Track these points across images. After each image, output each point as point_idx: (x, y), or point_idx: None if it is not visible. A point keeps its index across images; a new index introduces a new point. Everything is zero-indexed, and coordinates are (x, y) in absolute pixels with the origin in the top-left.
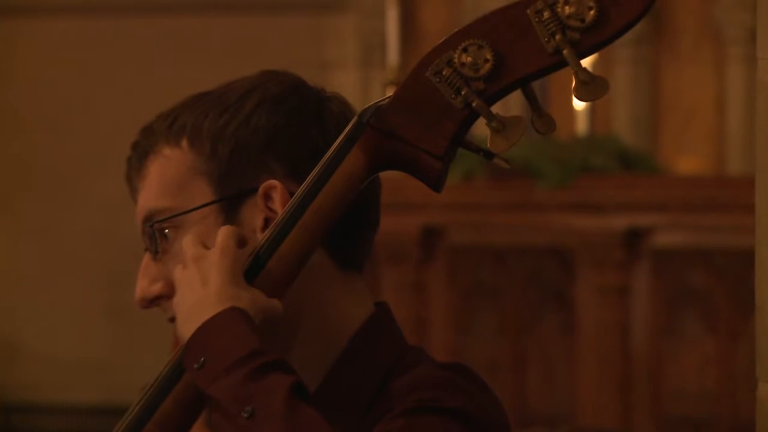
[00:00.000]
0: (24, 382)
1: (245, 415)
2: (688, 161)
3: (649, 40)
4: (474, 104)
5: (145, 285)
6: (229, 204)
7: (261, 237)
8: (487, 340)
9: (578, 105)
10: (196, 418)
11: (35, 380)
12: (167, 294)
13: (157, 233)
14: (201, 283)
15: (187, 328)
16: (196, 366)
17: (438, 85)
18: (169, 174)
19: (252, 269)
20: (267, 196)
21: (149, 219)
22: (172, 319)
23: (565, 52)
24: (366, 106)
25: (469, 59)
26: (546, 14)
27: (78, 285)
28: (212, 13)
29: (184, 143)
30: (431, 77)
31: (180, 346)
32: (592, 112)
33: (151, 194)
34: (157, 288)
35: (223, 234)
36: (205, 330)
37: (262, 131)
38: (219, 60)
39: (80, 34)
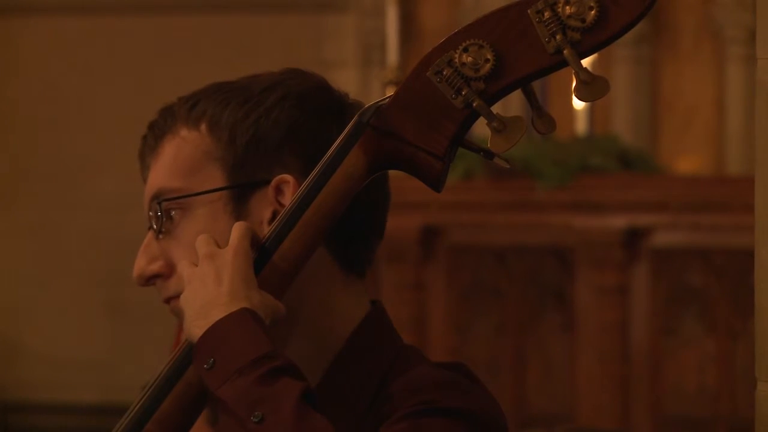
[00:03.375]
0: (23, 381)
1: (255, 420)
2: (687, 161)
3: (649, 40)
4: (474, 104)
5: (143, 263)
6: (240, 192)
7: (265, 232)
8: (487, 340)
9: (578, 105)
10: (196, 417)
11: (34, 379)
12: (165, 273)
13: (164, 212)
14: (214, 282)
15: (197, 326)
16: (206, 366)
17: (438, 85)
18: (183, 155)
19: (254, 267)
20: (278, 190)
21: (157, 197)
22: (167, 300)
23: (565, 52)
24: (366, 105)
25: (470, 59)
26: (547, 14)
27: (77, 284)
28: (212, 12)
29: (203, 127)
30: (432, 77)
31: (181, 345)
32: (591, 112)
33: (162, 173)
34: (155, 267)
35: (237, 232)
36: (216, 330)
37: (281, 125)
38: (219, 59)
39: (80, 33)
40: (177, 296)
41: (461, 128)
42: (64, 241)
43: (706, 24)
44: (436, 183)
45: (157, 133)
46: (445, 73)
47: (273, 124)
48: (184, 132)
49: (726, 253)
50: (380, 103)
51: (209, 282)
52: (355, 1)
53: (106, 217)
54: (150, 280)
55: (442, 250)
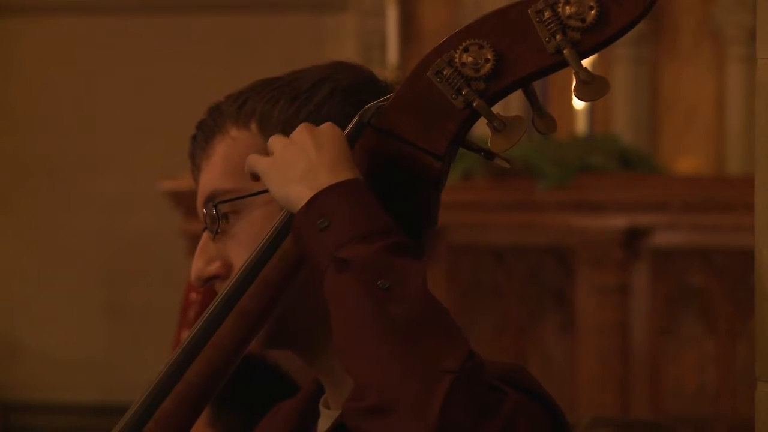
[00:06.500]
0: (23, 381)
1: (382, 286)
2: (687, 161)
3: (649, 40)
4: (475, 104)
5: (201, 264)
6: None
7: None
8: (487, 340)
9: (578, 105)
10: (197, 417)
11: (34, 379)
12: (223, 274)
13: (219, 214)
14: (315, 148)
15: (306, 186)
16: (319, 224)
17: (439, 85)
18: (235, 156)
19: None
20: None
21: (212, 198)
22: None
23: (565, 52)
24: (366, 105)
25: (470, 59)
26: (547, 14)
27: (76, 284)
28: (212, 12)
29: (253, 127)
30: (432, 77)
31: (201, 320)
32: (592, 112)
33: (215, 174)
34: (213, 268)
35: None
36: (331, 193)
37: (332, 120)
38: (219, 59)
39: (80, 33)
40: None
41: (462, 128)
42: (62, 241)
43: (706, 24)
44: (436, 183)
45: (206, 133)
46: (445, 73)
47: (323, 121)
48: (234, 132)
49: (726, 253)
50: (381, 103)
51: (309, 148)
52: (355, 1)
53: (106, 217)
54: (208, 281)
55: (442, 250)
